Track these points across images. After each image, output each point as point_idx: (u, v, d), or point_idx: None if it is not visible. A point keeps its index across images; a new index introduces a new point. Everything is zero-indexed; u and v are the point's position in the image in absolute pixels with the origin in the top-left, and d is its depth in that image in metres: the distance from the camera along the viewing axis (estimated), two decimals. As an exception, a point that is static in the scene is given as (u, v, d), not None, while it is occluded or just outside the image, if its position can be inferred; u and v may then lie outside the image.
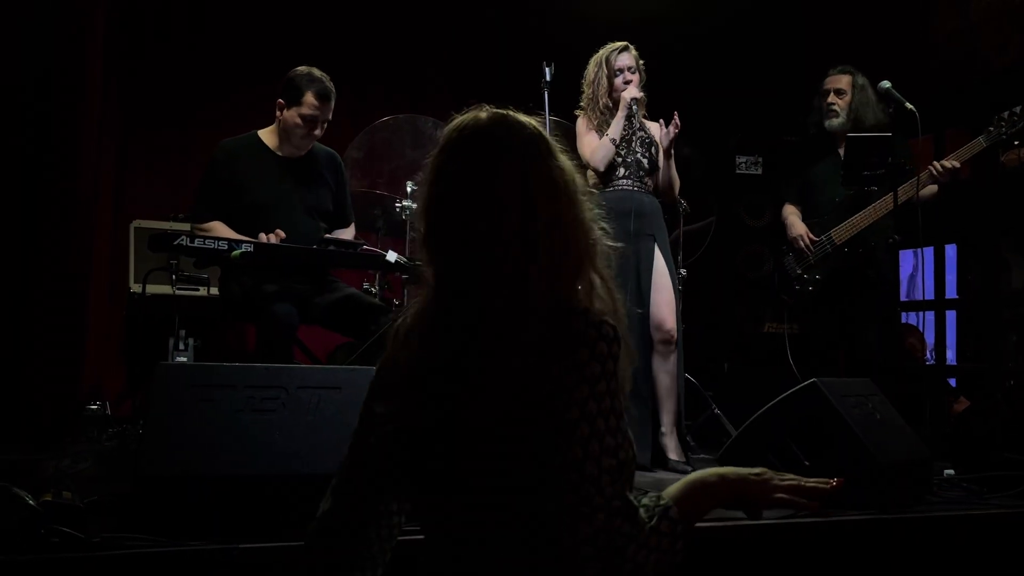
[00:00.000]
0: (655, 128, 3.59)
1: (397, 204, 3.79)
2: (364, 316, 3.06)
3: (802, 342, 4.19)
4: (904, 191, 3.50)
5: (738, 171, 4.85)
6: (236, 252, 2.59)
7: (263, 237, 2.85)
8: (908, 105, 3.41)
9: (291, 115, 3.08)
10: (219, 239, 2.68)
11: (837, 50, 4.98)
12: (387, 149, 4.02)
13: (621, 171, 3.53)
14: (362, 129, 4.21)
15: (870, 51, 4.69)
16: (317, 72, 3.11)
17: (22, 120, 3.91)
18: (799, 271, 3.89)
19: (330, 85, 3.10)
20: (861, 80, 3.85)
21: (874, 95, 3.74)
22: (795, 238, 3.89)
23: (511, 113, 1.34)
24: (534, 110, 1.42)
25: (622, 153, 3.53)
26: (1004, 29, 4.46)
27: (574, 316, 1.23)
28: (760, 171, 4.87)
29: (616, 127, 3.49)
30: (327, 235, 2.97)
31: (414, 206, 3.77)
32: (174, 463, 1.98)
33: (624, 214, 3.43)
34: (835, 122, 3.85)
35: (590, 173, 3.64)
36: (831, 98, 3.86)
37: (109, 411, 3.91)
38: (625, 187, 3.52)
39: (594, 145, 3.54)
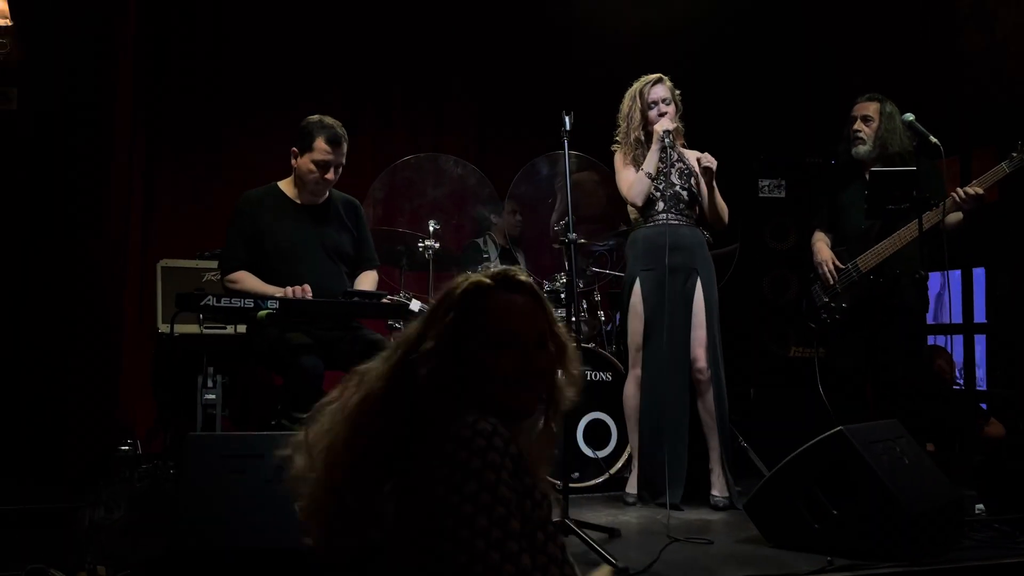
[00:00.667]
0: (695, 157, 3.58)
1: (420, 243, 3.82)
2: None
3: (829, 367, 4.16)
4: (929, 219, 3.49)
5: (761, 195, 4.82)
6: (262, 312, 2.64)
7: (289, 292, 2.89)
8: (932, 139, 3.38)
9: (304, 162, 3.16)
10: (246, 295, 2.72)
11: (862, 69, 4.95)
12: (409, 188, 4.07)
13: (660, 205, 3.54)
14: (385, 160, 4.27)
15: (896, 71, 4.65)
16: (328, 119, 3.18)
17: (53, 158, 4.01)
18: (826, 298, 3.87)
19: (341, 131, 3.18)
20: (889, 107, 3.82)
21: (902, 123, 3.72)
22: (819, 263, 3.88)
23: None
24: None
25: (660, 187, 3.53)
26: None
27: (458, 421, 1.28)
28: (783, 194, 4.84)
29: (651, 160, 3.49)
30: (350, 289, 3.00)
31: (436, 245, 3.81)
32: (207, 536, 2.02)
33: (660, 248, 3.43)
34: (861, 149, 3.83)
35: (630, 208, 3.64)
36: (858, 125, 3.84)
37: (140, 450, 3.98)
38: (663, 221, 3.51)
39: (630, 180, 3.54)
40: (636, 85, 3.61)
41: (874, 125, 3.81)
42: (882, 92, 3.90)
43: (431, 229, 3.79)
